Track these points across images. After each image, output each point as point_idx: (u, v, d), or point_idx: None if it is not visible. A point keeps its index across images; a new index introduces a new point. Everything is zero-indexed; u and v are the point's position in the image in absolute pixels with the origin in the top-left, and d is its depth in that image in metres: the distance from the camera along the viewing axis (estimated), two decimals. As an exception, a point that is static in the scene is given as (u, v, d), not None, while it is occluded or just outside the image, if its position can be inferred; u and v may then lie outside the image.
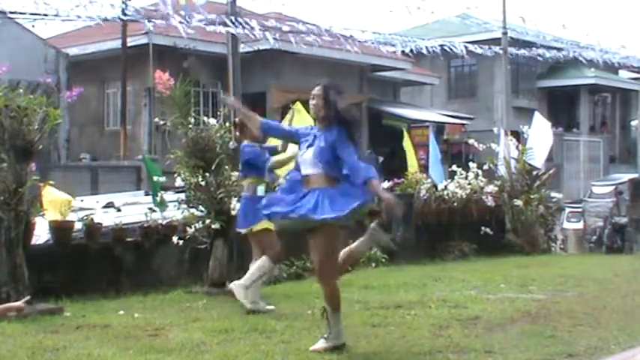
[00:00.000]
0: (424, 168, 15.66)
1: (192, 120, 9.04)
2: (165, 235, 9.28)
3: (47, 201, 8.50)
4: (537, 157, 15.38)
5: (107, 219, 9.54)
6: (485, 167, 15.34)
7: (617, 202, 17.87)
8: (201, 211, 8.95)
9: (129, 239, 9.21)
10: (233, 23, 15.16)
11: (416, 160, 14.82)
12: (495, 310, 7.63)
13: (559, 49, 24.51)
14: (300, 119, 11.32)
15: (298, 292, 8.19)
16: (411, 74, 29.51)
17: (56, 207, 8.55)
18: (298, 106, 12.05)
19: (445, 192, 13.92)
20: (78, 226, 8.92)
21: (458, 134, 29.20)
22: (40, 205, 8.27)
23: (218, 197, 8.88)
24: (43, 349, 5.84)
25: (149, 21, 15.69)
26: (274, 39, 18.57)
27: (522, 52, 22.59)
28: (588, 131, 34.78)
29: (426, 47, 20.43)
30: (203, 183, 8.76)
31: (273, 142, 8.22)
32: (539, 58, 23.24)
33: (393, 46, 20.77)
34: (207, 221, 8.79)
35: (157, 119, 10.87)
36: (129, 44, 21.51)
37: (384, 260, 11.63)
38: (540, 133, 15.93)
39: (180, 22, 15.54)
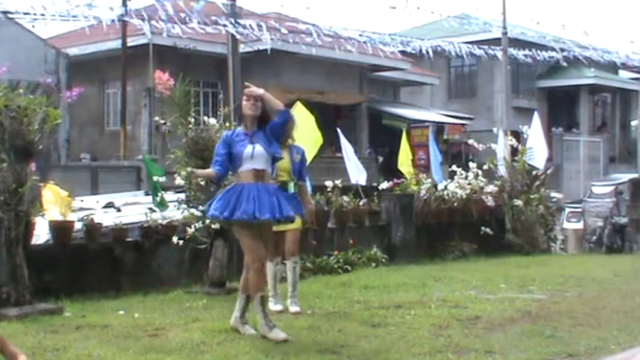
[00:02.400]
0: (423, 168, 15.64)
1: (192, 120, 9.04)
2: (165, 235, 9.28)
3: (47, 200, 8.50)
4: (538, 158, 15.40)
5: (107, 219, 9.54)
6: (485, 167, 15.35)
7: (617, 202, 17.86)
8: (201, 211, 8.95)
9: (129, 239, 9.21)
10: (233, 24, 15.16)
11: (409, 158, 14.76)
12: (495, 310, 7.63)
13: (559, 50, 24.51)
14: (300, 118, 11.30)
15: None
16: (410, 74, 29.52)
17: (57, 203, 8.54)
18: (299, 105, 12.06)
19: (445, 192, 13.94)
20: (78, 226, 8.92)
21: (458, 134, 29.20)
22: (40, 205, 8.27)
23: (218, 197, 8.88)
24: (43, 349, 5.84)
25: (148, 21, 15.68)
26: (275, 39, 18.57)
27: (522, 52, 22.57)
28: (588, 131, 34.77)
29: (426, 47, 20.43)
30: (203, 183, 8.76)
31: None
32: (539, 58, 23.19)
33: (393, 46, 20.78)
34: (207, 221, 8.79)
35: (157, 119, 10.87)
36: (129, 44, 21.50)
37: (384, 260, 11.63)
38: (539, 133, 15.97)
39: (181, 23, 15.55)
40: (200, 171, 6.78)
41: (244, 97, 6.46)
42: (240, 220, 6.28)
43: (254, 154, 6.28)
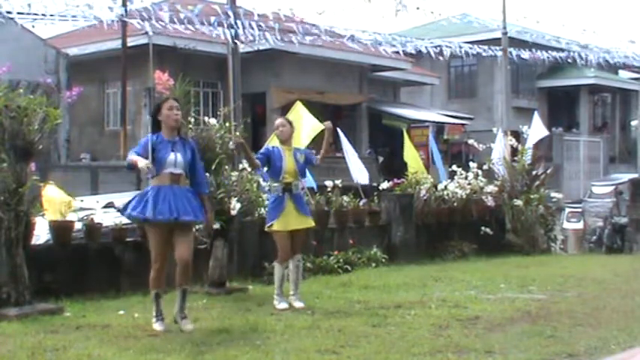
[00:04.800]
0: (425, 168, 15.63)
1: (193, 120, 9.05)
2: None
3: (46, 201, 8.51)
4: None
5: (107, 219, 9.54)
6: (485, 167, 15.37)
7: (617, 202, 17.88)
8: (118, 211, 8.90)
9: (129, 239, 9.20)
10: (232, 26, 15.12)
11: (418, 159, 14.84)
12: (495, 310, 7.64)
13: (559, 50, 24.48)
14: (299, 118, 11.33)
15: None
16: (411, 74, 29.49)
17: (55, 207, 8.55)
18: (299, 105, 12.08)
19: (445, 192, 13.95)
20: (78, 226, 8.91)
21: (458, 134, 29.20)
22: (40, 205, 8.27)
23: (218, 197, 8.89)
24: (43, 349, 5.84)
25: (147, 20, 15.66)
26: (275, 39, 18.55)
27: (522, 52, 22.53)
28: (588, 131, 34.76)
29: (426, 47, 20.41)
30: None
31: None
32: (540, 58, 23.15)
33: (394, 46, 20.75)
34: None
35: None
36: (129, 44, 21.48)
37: (384, 260, 11.64)
38: (538, 132, 16.04)
39: (181, 24, 15.53)
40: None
41: (167, 106, 6.77)
42: (156, 221, 6.59)
43: (176, 161, 6.70)
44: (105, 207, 10.84)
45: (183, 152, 6.77)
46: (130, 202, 6.82)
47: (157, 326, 6.67)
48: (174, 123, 6.77)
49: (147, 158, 6.57)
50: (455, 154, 28.30)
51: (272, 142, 9.34)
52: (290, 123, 8.22)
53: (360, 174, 13.66)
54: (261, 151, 8.23)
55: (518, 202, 14.57)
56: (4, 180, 7.32)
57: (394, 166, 21.12)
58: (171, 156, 6.69)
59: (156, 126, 6.84)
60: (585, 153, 32.11)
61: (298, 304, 7.86)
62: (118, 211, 7.22)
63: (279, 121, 8.28)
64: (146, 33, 19.41)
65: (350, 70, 25.63)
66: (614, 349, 6.02)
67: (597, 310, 7.75)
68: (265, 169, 8.19)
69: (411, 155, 14.59)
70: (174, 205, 6.58)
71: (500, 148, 15.97)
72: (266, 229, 8.13)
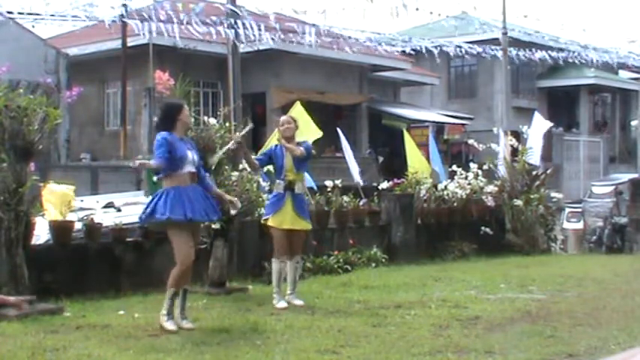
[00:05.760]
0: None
1: (193, 120, 9.04)
2: (165, 235, 9.25)
3: (47, 194, 8.50)
4: (534, 155, 15.45)
5: (107, 219, 9.54)
6: (485, 167, 15.36)
7: (617, 202, 17.87)
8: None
9: (129, 239, 9.20)
10: (232, 26, 15.14)
11: (422, 158, 14.83)
12: (495, 310, 7.64)
13: (559, 49, 24.50)
14: (300, 116, 11.30)
15: (298, 291, 8.19)
16: (411, 74, 29.48)
17: (57, 200, 8.54)
18: (297, 105, 12.07)
19: (445, 192, 13.95)
20: (78, 226, 8.91)
21: (458, 134, 29.19)
22: (40, 205, 8.27)
23: (218, 197, 8.88)
24: (43, 349, 5.84)
25: (148, 22, 15.66)
26: (273, 39, 18.56)
27: (522, 53, 22.54)
28: (588, 131, 34.76)
29: (426, 47, 20.44)
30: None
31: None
32: (539, 58, 23.15)
33: (393, 46, 20.76)
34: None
35: (156, 119, 10.86)
36: (129, 44, 21.48)
37: (384, 260, 11.63)
38: (539, 132, 16.01)
39: (180, 23, 15.54)
40: (148, 162, 6.86)
41: (186, 108, 6.90)
42: (194, 221, 6.65)
43: (193, 160, 6.76)
44: (105, 207, 10.85)
45: (193, 151, 6.83)
46: (154, 209, 6.61)
47: (169, 325, 6.56)
48: (190, 121, 7.08)
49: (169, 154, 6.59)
50: (455, 154, 28.30)
51: (273, 139, 9.35)
52: (295, 121, 8.23)
53: (354, 173, 13.79)
54: (263, 151, 8.27)
55: (518, 202, 14.56)
56: (4, 180, 7.32)
57: (394, 166, 21.11)
58: (189, 154, 6.71)
59: (169, 125, 6.72)
60: (585, 153, 32.11)
61: (298, 302, 7.88)
62: (140, 220, 7.08)
63: (284, 118, 8.30)
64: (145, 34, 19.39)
65: (350, 70, 25.63)
66: (614, 349, 6.02)
67: (597, 310, 7.75)
68: (268, 167, 8.25)
69: (414, 155, 14.57)
70: (203, 206, 6.66)
71: (502, 148, 15.96)
72: (262, 221, 8.23)
